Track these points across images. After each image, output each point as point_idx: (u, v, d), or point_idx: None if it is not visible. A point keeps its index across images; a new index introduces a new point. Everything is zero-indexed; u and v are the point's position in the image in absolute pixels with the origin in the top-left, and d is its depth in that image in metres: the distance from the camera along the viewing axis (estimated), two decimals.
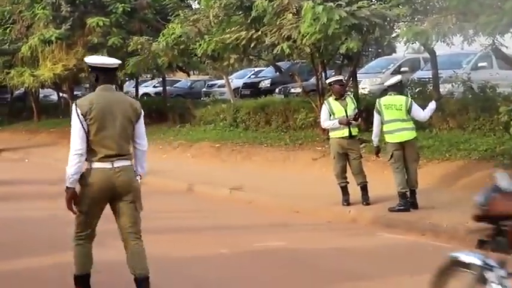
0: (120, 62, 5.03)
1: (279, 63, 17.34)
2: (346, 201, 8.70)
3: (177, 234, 7.41)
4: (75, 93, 22.76)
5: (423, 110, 8.56)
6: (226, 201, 10.01)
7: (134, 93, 23.06)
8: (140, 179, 4.87)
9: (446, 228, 7.16)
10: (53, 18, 18.21)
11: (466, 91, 12.63)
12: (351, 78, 13.42)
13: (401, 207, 8.11)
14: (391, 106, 8.44)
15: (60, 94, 25.75)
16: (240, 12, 12.81)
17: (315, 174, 11.13)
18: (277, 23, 11.44)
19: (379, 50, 32.36)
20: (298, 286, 5.52)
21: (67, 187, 4.64)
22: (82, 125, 4.57)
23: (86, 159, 4.63)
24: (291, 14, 11.16)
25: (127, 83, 24.53)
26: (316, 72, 13.85)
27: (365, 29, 10.84)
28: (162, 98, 21.31)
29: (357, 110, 8.92)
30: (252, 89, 21.55)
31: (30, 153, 17.69)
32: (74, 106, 4.63)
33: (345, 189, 8.74)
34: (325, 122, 8.93)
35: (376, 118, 8.60)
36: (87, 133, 4.58)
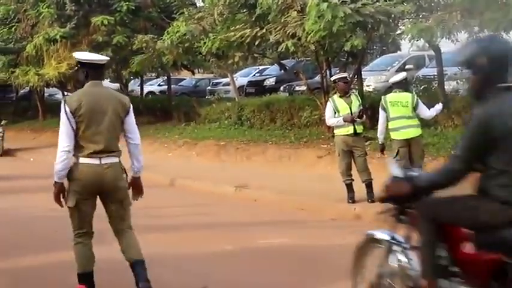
0: (108, 58, 5.10)
1: (283, 61, 17.30)
2: (351, 199, 8.68)
3: (182, 231, 7.41)
4: None
5: (429, 110, 8.56)
6: (232, 198, 10.02)
7: (139, 92, 23.13)
8: (135, 175, 4.93)
9: None
10: (57, 17, 18.23)
11: None
12: (356, 76, 13.40)
13: None
14: (397, 103, 8.42)
15: (65, 93, 25.73)
16: (245, 10, 12.83)
17: (320, 172, 11.13)
18: (282, 20, 11.44)
19: (384, 48, 32.21)
20: (302, 283, 5.52)
21: (55, 182, 4.71)
22: (70, 122, 4.62)
23: (74, 155, 4.67)
24: (295, 12, 11.17)
25: (132, 81, 24.53)
26: (321, 69, 13.84)
27: (370, 26, 10.82)
28: (167, 96, 21.33)
29: (361, 107, 8.91)
30: (257, 87, 21.57)
31: (35, 152, 17.71)
32: (62, 103, 4.68)
33: (350, 187, 8.73)
34: (329, 119, 8.93)
35: (381, 115, 8.59)
36: (76, 130, 4.64)
